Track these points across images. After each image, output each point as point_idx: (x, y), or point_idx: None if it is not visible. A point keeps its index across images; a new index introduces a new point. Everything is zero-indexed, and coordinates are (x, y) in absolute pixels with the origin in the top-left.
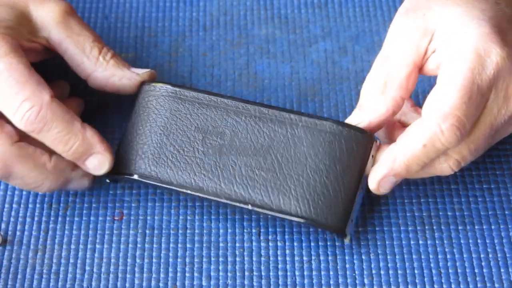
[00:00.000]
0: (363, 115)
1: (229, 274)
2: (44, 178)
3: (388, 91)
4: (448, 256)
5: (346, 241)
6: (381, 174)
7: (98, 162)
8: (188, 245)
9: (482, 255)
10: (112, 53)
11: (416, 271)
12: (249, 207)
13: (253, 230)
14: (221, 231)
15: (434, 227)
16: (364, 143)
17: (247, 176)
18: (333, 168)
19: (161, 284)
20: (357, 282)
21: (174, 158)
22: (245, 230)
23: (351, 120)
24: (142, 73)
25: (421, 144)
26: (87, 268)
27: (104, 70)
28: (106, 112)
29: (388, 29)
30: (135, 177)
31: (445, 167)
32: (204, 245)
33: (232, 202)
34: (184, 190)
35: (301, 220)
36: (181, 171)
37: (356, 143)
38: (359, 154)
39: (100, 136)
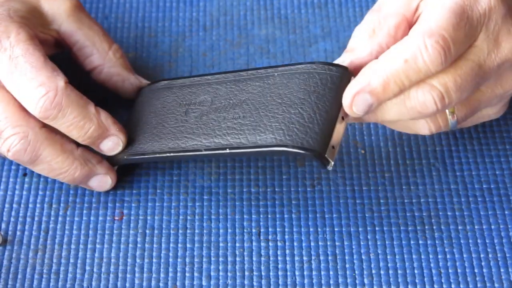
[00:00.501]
0: (346, 55)
1: (229, 274)
2: (70, 164)
3: (375, 37)
4: (448, 256)
5: (329, 167)
6: (356, 88)
7: (113, 144)
8: (188, 245)
9: (482, 255)
10: (122, 53)
11: (416, 271)
12: (227, 151)
13: (253, 230)
14: (221, 231)
15: (434, 227)
16: (340, 75)
17: (226, 127)
18: (308, 99)
19: (161, 284)
20: (357, 282)
21: (159, 132)
22: (245, 230)
23: (336, 61)
24: (144, 82)
25: (403, 59)
26: (87, 268)
27: (112, 67)
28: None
29: None
30: (124, 157)
31: (429, 99)
32: (204, 245)
33: (212, 151)
34: (168, 155)
35: (277, 149)
36: (165, 140)
37: (331, 75)
38: (334, 84)
39: (113, 118)
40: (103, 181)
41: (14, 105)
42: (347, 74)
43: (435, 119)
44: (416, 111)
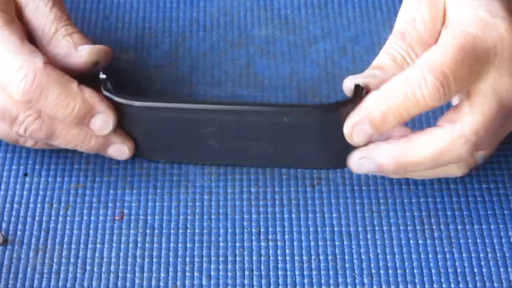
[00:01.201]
0: (376, 72)
1: (229, 273)
2: (84, 135)
3: (407, 66)
4: (448, 256)
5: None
6: (356, 118)
7: (101, 121)
8: (188, 245)
9: (481, 255)
10: (68, 32)
11: (415, 271)
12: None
13: (253, 230)
14: (221, 230)
15: (434, 227)
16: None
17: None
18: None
19: (161, 284)
20: (356, 281)
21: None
22: (245, 230)
23: (367, 75)
24: (87, 51)
25: (403, 92)
26: (88, 267)
27: (55, 48)
28: None
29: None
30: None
31: (462, 150)
32: (204, 244)
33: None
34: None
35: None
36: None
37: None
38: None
39: (100, 95)
40: (120, 150)
41: None
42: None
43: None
44: (448, 161)
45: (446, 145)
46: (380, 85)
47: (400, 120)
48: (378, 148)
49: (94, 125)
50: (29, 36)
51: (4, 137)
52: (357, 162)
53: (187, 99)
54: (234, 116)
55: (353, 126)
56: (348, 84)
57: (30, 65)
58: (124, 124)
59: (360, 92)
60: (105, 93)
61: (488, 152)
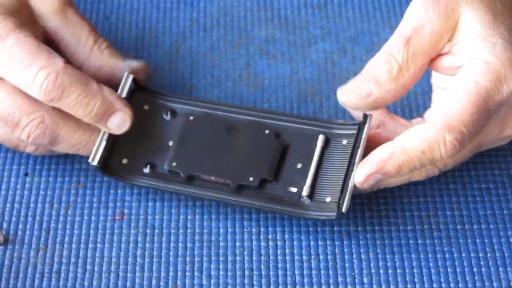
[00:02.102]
0: (371, 87)
1: (229, 273)
2: (87, 138)
3: (401, 77)
4: (447, 256)
5: (343, 210)
6: (371, 170)
7: (120, 119)
8: (188, 245)
9: (480, 255)
10: (108, 44)
11: (415, 270)
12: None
13: (253, 230)
14: (221, 230)
15: (433, 227)
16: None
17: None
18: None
19: (161, 283)
20: (356, 281)
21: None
22: (245, 230)
23: (358, 86)
24: (135, 65)
25: (420, 150)
26: (88, 267)
27: (97, 60)
28: None
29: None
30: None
31: (423, 172)
32: (204, 244)
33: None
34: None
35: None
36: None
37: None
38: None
39: (117, 94)
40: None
41: (22, 95)
42: (363, 126)
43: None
44: (408, 180)
45: (436, 139)
46: (375, 104)
47: (413, 170)
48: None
49: (112, 123)
50: (52, 45)
51: (5, 141)
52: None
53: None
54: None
55: (367, 177)
56: (343, 99)
57: (51, 65)
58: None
59: (365, 123)
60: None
61: (459, 161)
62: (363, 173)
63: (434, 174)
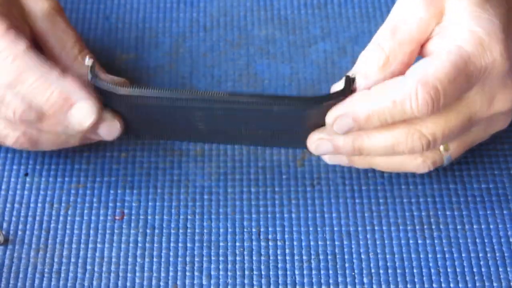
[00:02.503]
0: (361, 81)
1: (229, 273)
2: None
3: (389, 65)
4: (447, 256)
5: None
6: (341, 111)
7: (83, 111)
8: (188, 245)
9: (480, 255)
10: (91, 55)
11: (415, 270)
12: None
13: (253, 230)
14: (221, 230)
15: (433, 227)
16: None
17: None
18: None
19: (161, 283)
20: (356, 281)
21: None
22: (245, 230)
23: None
24: (116, 80)
25: (391, 99)
26: (88, 267)
27: (79, 68)
28: None
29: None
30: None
31: (417, 145)
32: (204, 244)
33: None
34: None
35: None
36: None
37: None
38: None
39: (84, 82)
40: (112, 126)
41: None
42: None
43: (429, 155)
44: (402, 151)
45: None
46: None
47: (384, 123)
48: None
49: (73, 117)
50: (38, 45)
51: None
52: (315, 143)
53: (174, 88)
54: (222, 105)
55: (336, 118)
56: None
57: (11, 48)
58: (111, 107)
59: (350, 85)
60: (92, 79)
61: (454, 153)
62: (334, 114)
63: (426, 144)
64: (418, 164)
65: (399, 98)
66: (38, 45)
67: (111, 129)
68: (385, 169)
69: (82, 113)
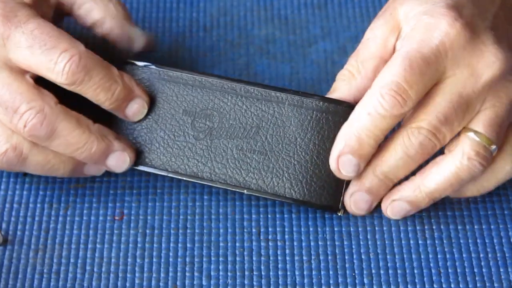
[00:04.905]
0: (333, 96)
1: (229, 273)
2: (87, 138)
3: (355, 80)
4: (448, 256)
5: (340, 213)
6: (337, 151)
7: (138, 106)
8: (188, 245)
9: (481, 255)
10: (123, 5)
11: (415, 271)
12: (245, 191)
13: (253, 230)
14: (221, 230)
15: (434, 227)
16: (343, 114)
17: (240, 160)
18: (323, 146)
19: (161, 284)
20: (356, 281)
21: (165, 144)
22: (245, 230)
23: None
24: (143, 36)
25: (366, 113)
26: (88, 267)
27: (113, 18)
28: None
29: None
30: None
31: (423, 140)
32: (204, 244)
33: (228, 187)
34: (179, 177)
35: (296, 202)
36: (174, 157)
37: (344, 118)
38: (339, 126)
39: (136, 80)
40: (121, 159)
41: (28, 83)
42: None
43: (462, 148)
44: (416, 154)
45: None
46: None
47: (376, 138)
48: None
49: (130, 110)
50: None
51: None
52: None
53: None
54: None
55: (337, 159)
56: None
57: (74, 48)
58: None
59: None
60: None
61: (488, 131)
62: (333, 157)
63: (431, 134)
64: (459, 162)
65: (371, 108)
66: (65, 12)
67: (120, 161)
68: (449, 192)
69: (137, 108)
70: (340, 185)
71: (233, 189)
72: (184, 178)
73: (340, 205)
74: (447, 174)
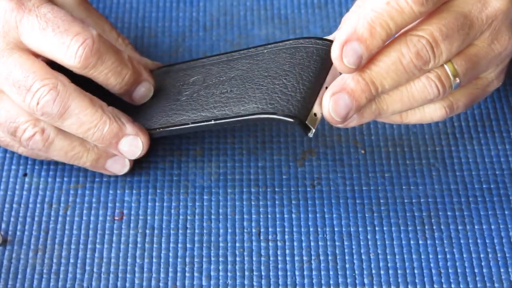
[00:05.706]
0: (337, 31)
1: (229, 274)
2: (99, 117)
3: (361, 8)
4: (448, 256)
5: (310, 134)
6: (343, 37)
7: (145, 89)
8: (188, 245)
9: (482, 255)
10: (129, 42)
11: (416, 271)
12: (212, 122)
13: (253, 230)
14: (221, 231)
15: (434, 227)
16: (326, 48)
17: (213, 101)
18: (292, 71)
19: (161, 284)
20: (357, 282)
21: (153, 112)
22: (245, 230)
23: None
24: (153, 63)
25: (385, 1)
26: (87, 268)
27: (120, 47)
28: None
29: None
30: None
31: (420, 48)
32: (204, 245)
33: (197, 124)
34: (157, 131)
35: (259, 116)
36: (156, 117)
37: (317, 48)
38: (319, 56)
39: (144, 63)
40: (134, 144)
41: (40, 62)
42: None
43: (433, 74)
44: (409, 62)
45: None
46: None
47: (388, 32)
48: (341, 77)
49: (138, 93)
50: None
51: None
52: (331, 100)
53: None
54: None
55: (342, 46)
56: None
57: (87, 32)
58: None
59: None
60: None
61: (461, 70)
62: (338, 43)
63: (429, 47)
64: (423, 86)
65: None
66: None
67: (133, 146)
68: (398, 109)
69: (144, 91)
70: (308, 102)
71: (203, 124)
72: (160, 129)
73: (308, 122)
74: (394, 60)
